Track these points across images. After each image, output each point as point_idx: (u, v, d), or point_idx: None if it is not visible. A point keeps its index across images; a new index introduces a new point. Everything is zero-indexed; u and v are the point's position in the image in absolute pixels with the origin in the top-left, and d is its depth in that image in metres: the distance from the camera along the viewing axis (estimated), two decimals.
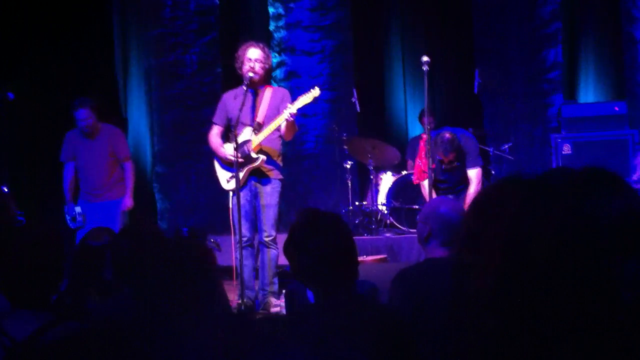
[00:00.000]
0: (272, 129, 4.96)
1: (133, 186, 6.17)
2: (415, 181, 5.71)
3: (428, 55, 5.41)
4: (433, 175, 5.67)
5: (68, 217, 6.03)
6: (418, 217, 3.27)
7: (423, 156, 5.35)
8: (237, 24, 8.48)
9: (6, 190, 5.76)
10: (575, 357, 1.08)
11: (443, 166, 6.04)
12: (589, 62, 7.82)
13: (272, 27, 8.54)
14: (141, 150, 8.43)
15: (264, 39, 7.56)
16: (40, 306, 2.22)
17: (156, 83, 8.36)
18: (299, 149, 8.21)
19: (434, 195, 5.70)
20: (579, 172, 1.35)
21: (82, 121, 5.94)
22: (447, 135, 5.80)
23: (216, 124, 5.28)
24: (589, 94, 7.76)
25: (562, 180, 1.42)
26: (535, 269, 1.11)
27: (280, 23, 8.54)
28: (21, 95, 6.00)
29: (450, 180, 6.11)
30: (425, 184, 5.61)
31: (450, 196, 5.99)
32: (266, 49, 5.20)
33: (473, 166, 5.99)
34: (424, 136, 5.42)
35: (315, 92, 4.95)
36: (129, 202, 6.08)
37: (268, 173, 5.03)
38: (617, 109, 6.53)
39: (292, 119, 4.86)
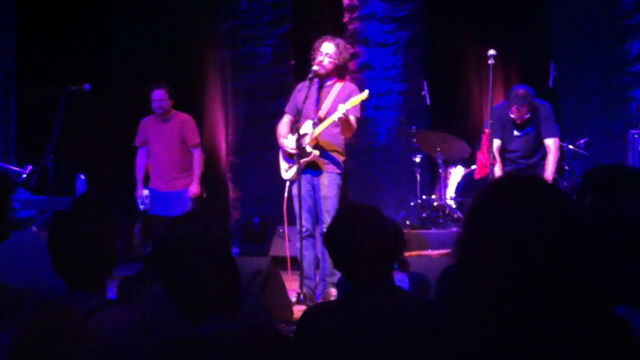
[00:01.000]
0: (327, 125, 4.96)
1: (200, 173, 6.31)
2: (477, 176, 5.61)
3: (502, 49, 5.32)
4: (499, 148, 5.51)
5: (138, 200, 6.27)
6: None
7: (485, 150, 5.26)
8: (311, 16, 8.52)
9: (83, 177, 6.04)
10: (574, 356, 1.07)
11: (514, 131, 5.75)
12: None
13: (346, 18, 8.55)
14: (216, 141, 8.62)
15: (338, 31, 7.58)
16: (94, 288, 2.32)
17: (230, 74, 8.51)
18: (371, 140, 8.20)
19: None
20: (607, 172, 1.32)
21: (156, 102, 6.16)
22: (521, 90, 5.64)
23: (287, 112, 5.34)
24: None
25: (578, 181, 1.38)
26: (536, 269, 1.11)
27: (355, 15, 8.54)
28: (97, 87, 6.23)
29: (520, 149, 5.81)
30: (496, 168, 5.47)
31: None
32: (342, 45, 5.16)
33: (550, 135, 5.69)
34: (487, 131, 5.32)
35: (364, 94, 4.91)
36: (195, 189, 6.23)
37: (323, 167, 5.03)
38: None
39: (343, 117, 4.81)
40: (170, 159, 6.23)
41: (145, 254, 3.53)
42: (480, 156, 5.33)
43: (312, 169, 5.05)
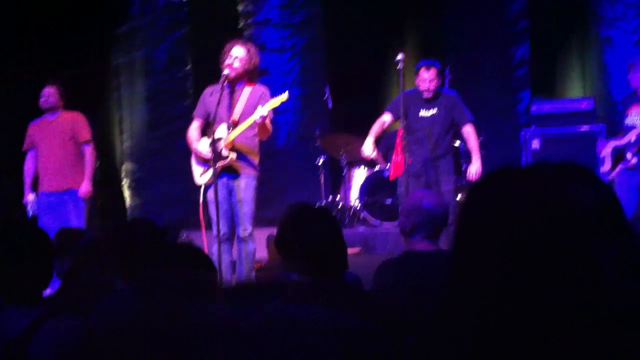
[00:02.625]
0: (245, 128, 4.96)
1: (93, 172, 6.10)
2: (392, 177, 5.74)
3: (402, 52, 5.48)
4: (405, 123, 5.47)
5: (28, 207, 6.01)
6: (400, 209, 3.31)
7: (400, 151, 5.39)
8: (207, 20, 8.44)
9: None
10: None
11: (421, 110, 5.63)
12: (558, 59, 7.98)
13: (241, 24, 8.54)
14: (109, 147, 8.36)
15: (234, 37, 7.57)
16: (31, 302, 2.21)
17: (125, 80, 8.30)
18: (271, 145, 8.22)
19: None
20: (558, 166, 1.39)
21: (43, 97, 6.01)
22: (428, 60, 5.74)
23: (196, 117, 5.27)
24: (558, 90, 7.92)
25: (547, 172, 1.45)
26: (534, 262, 1.14)
27: (250, 20, 8.55)
28: None
29: (425, 130, 5.66)
30: None
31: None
32: (252, 50, 5.17)
33: (468, 121, 5.68)
34: (401, 131, 5.46)
35: (284, 96, 4.96)
36: (87, 187, 5.99)
37: (240, 170, 5.03)
38: (584, 105, 6.67)
39: (260, 120, 4.84)
40: (60, 157, 5.97)
41: (62, 270, 3.35)
42: (395, 157, 5.45)
43: (229, 172, 5.03)
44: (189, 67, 8.42)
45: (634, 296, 1.24)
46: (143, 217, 3.13)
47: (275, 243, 2.38)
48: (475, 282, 1.20)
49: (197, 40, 8.37)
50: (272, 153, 8.21)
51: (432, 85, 5.60)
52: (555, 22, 7.97)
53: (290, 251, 2.29)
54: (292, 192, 8.06)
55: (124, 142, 8.37)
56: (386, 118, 5.79)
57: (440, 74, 5.65)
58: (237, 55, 5.09)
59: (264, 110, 4.81)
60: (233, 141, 4.98)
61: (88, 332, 2.16)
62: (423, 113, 5.67)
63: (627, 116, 5.49)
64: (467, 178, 5.75)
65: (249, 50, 5.13)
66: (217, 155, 4.90)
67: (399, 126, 5.61)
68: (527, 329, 1.14)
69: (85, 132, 6.07)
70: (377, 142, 6.60)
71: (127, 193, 8.31)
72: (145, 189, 8.23)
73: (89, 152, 6.07)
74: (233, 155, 4.96)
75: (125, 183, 8.33)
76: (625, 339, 1.16)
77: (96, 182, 6.36)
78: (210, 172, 4.94)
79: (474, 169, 5.63)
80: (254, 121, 4.85)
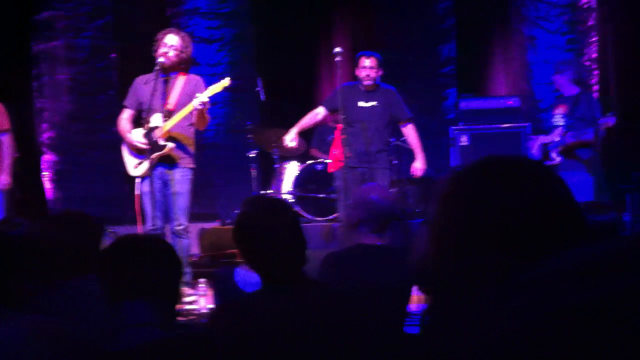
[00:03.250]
0: (182, 117, 4.88)
1: (12, 162, 5.86)
2: (331, 169, 5.73)
3: (332, 48, 5.49)
4: (344, 111, 5.44)
5: None
6: (348, 202, 3.31)
7: (339, 144, 5.39)
8: (131, 7, 8.21)
9: None
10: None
11: (359, 102, 5.60)
12: (483, 57, 8.17)
13: (169, 12, 8.35)
14: (28, 138, 8.01)
15: (161, 25, 7.39)
16: None
17: (46, 68, 7.97)
18: (199, 138, 8.06)
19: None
20: (538, 163, 1.39)
21: None
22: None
23: (127, 107, 5.12)
24: (483, 88, 8.11)
25: (539, 170, 1.46)
26: (534, 260, 1.14)
27: (178, 9, 8.38)
28: None
29: (363, 121, 5.60)
30: None
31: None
32: (187, 39, 5.11)
33: (406, 117, 5.73)
34: (339, 126, 5.46)
35: (225, 82, 4.91)
36: (5, 179, 5.76)
37: (178, 161, 4.95)
38: (510, 102, 6.85)
39: (201, 107, 4.78)
40: None
41: None
42: (334, 150, 5.45)
43: (164, 162, 4.92)
44: (113, 56, 8.16)
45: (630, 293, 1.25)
46: (78, 210, 2.98)
47: (234, 237, 2.32)
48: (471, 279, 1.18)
49: (121, 28, 8.13)
50: (199, 146, 8.05)
51: (373, 73, 5.63)
52: (481, 21, 8.15)
53: (251, 245, 2.24)
54: (222, 187, 7.95)
55: (44, 133, 8.05)
56: (319, 110, 5.81)
57: (380, 66, 5.68)
58: (172, 43, 5.00)
59: (204, 96, 4.74)
60: (169, 130, 4.89)
61: (51, 332, 2.04)
62: (362, 104, 5.69)
63: (552, 115, 5.67)
64: (412, 174, 5.85)
65: (183, 39, 5.05)
66: (153, 145, 4.78)
67: (337, 120, 5.61)
68: (526, 325, 1.13)
69: (2, 120, 5.83)
70: (310, 135, 6.60)
71: (47, 186, 8.00)
72: (67, 182, 7.94)
73: (7, 141, 5.83)
74: (170, 145, 4.86)
75: (45, 176, 8.01)
76: (625, 338, 1.17)
77: (15, 173, 6.11)
78: (145, 163, 4.82)
79: (419, 165, 5.73)
80: (193, 109, 4.77)
